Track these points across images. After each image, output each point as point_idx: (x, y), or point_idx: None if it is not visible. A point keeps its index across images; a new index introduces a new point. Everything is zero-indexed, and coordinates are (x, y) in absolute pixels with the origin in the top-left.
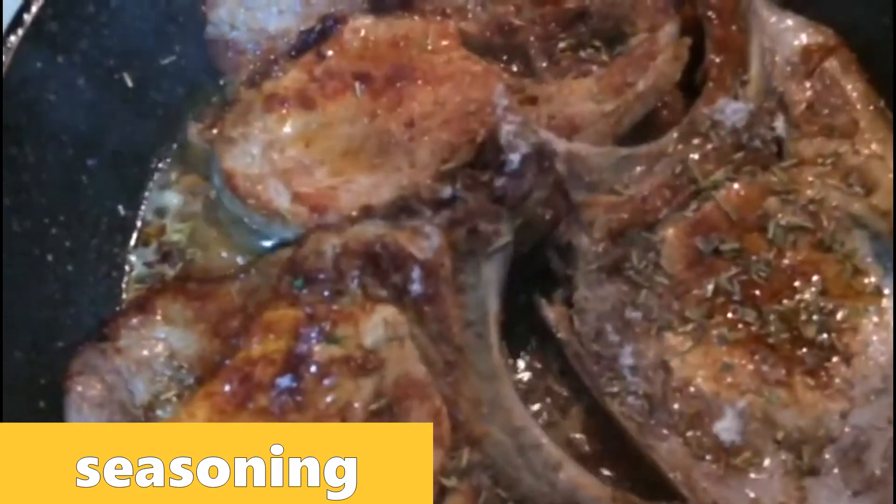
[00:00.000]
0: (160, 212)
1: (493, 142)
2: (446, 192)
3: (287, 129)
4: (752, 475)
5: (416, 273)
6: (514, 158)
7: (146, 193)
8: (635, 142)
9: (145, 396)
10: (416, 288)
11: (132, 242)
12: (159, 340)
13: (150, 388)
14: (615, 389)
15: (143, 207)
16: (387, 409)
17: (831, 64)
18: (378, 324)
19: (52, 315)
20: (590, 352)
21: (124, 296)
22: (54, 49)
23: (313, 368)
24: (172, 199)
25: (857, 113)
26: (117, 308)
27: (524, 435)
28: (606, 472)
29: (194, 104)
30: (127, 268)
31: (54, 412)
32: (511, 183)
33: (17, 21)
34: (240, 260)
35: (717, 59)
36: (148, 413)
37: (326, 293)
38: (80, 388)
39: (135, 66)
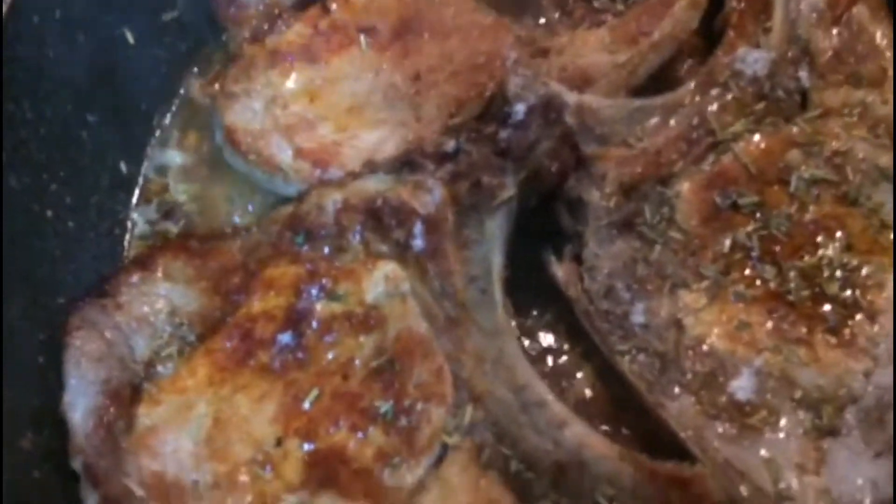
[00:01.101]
0: (162, 169)
1: (502, 95)
2: (450, 145)
3: (290, 84)
4: (768, 435)
5: (418, 228)
6: (520, 109)
7: (148, 150)
8: (651, 93)
9: (146, 352)
10: (418, 243)
11: (134, 200)
12: (160, 297)
13: (151, 345)
14: (625, 348)
15: (144, 165)
16: (388, 366)
17: (859, 10)
18: (380, 280)
19: (51, 271)
20: (599, 310)
21: (126, 253)
22: (52, 3)
23: (314, 325)
24: (174, 156)
25: (885, 61)
26: (119, 265)
27: (528, 392)
28: (614, 433)
29: (196, 60)
30: (129, 225)
31: (53, 368)
32: (515, 134)
33: None
34: (241, 218)
35: (738, 5)
36: (148, 369)
37: (328, 249)
38: (79, 343)
39: (136, 21)
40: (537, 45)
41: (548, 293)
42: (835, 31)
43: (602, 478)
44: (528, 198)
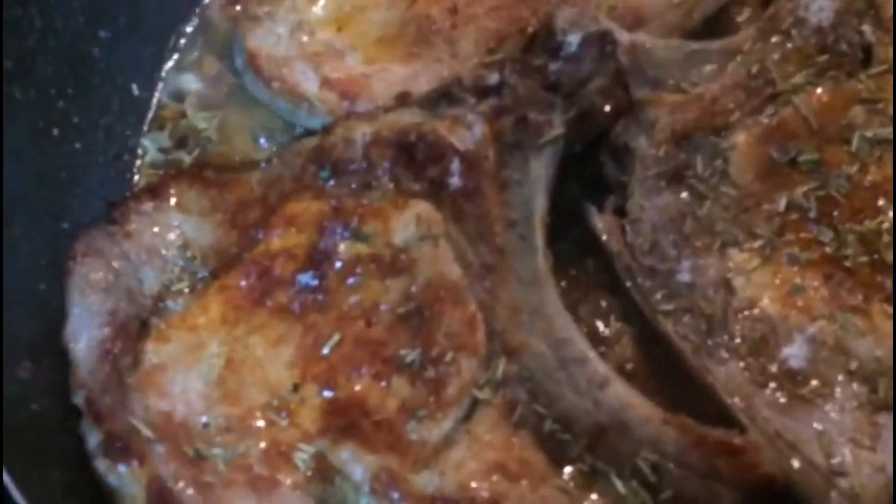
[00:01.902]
0: (177, 94)
1: (547, 31)
2: (493, 78)
3: (318, 10)
4: (821, 407)
5: (455, 165)
6: (573, 41)
7: (163, 73)
8: (707, 38)
9: (155, 286)
10: (454, 182)
11: (146, 125)
12: (172, 228)
13: (161, 278)
14: (670, 307)
15: (159, 88)
16: (416, 313)
17: None
18: (410, 220)
19: (56, 194)
20: (643, 266)
21: (136, 181)
22: None
23: (337, 266)
24: (191, 81)
25: None
26: (128, 193)
27: (568, 347)
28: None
29: None
30: (140, 151)
31: (55, 296)
32: (567, 67)
33: None
34: (261, 150)
35: None
36: (157, 304)
37: (354, 185)
38: (84, 271)
39: None
40: None
41: (585, 248)
42: None
43: (644, 442)
44: (573, 142)
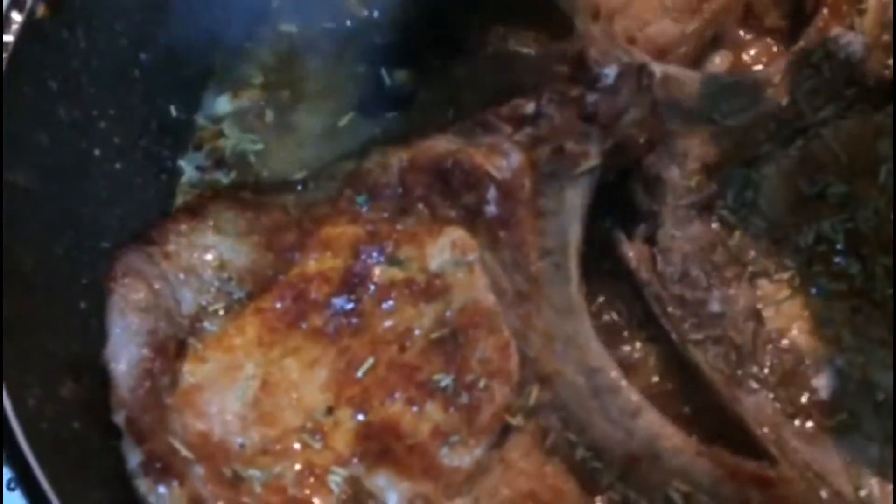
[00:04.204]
0: (215, 116)
1: (579, 62)
2: (529, 107)
3: None
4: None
5: (491, 193)
6: (610, 73)
7: (201, 96)
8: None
9: (192, 307)
10: (490, 209)
11: (184, 146)
12: (209, 249)
13: (198, 299)
14: (699, 337)
15: (197, 110)
16: (450, 339)
17: None
18: (445, 246)
19: (97, 213)
20: (673, 295)
21: (174, 200)
22: None
23: (372, 290)
24: (228, 104)
25: None
26: (166, 213)
27: (600, 376)
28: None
29: None
30: (178, 172)
31: (95, 314)
32: (604, 99)
33: None
34: (298, 172)
35: None
36: (194, 324)
37: (390, 211)
38: (124, 291)
39: None
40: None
41: (612, 275)
42: None
43: (676, 472)
44: (608, 171)
